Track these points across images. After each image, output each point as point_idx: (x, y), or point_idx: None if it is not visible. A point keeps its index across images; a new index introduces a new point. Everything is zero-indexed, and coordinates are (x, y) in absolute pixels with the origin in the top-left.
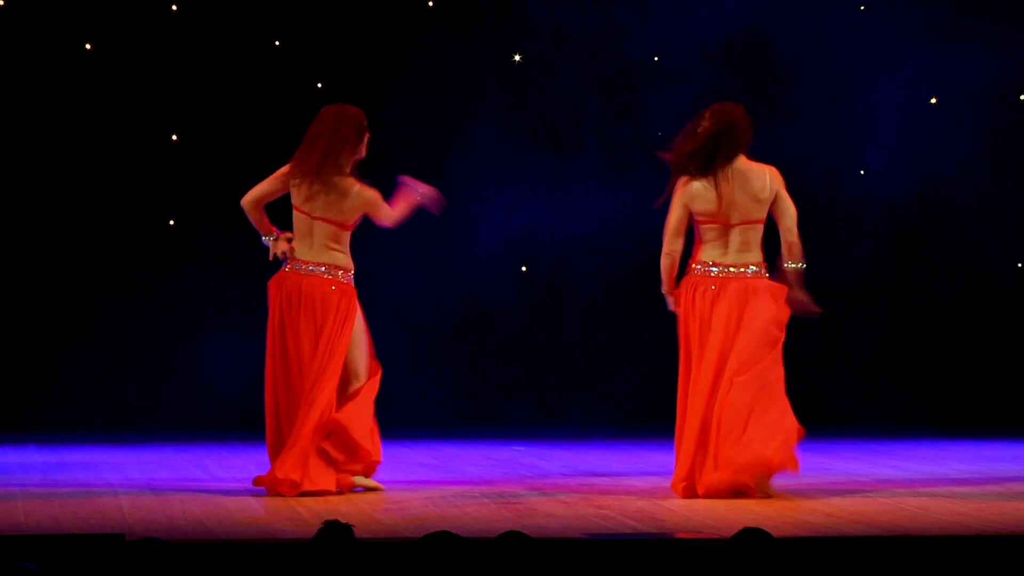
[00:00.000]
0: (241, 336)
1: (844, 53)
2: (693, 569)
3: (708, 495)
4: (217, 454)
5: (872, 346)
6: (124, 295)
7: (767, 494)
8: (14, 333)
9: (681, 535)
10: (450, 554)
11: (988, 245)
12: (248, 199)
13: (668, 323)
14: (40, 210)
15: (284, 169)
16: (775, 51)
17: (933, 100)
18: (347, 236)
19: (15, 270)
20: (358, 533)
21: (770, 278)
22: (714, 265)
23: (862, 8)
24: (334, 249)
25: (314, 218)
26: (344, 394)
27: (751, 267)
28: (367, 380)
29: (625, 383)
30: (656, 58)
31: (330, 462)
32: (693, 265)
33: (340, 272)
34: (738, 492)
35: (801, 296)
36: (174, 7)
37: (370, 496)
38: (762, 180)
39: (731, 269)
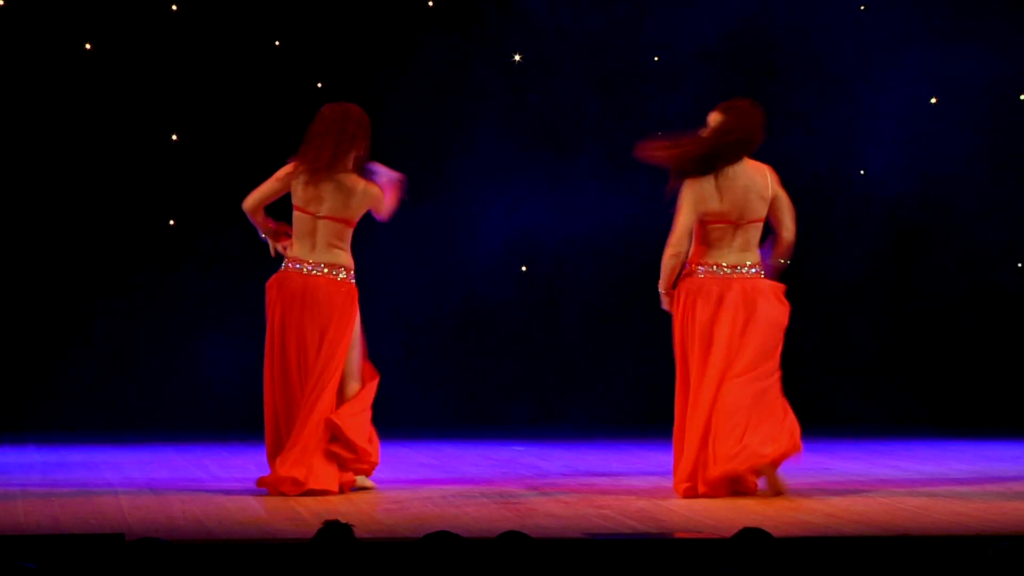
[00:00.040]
0: (241, 336)
1: (844, 53)
2: (693, 569)
3: (708, 493)
4: (217, 454)
5: (872, 346)
6: (124, 295)
7: (778, 490)
8: (14, 333)
9: (681, 535)
10: (450, 554)
11: (988, 245)
12: (251, 203)
13: (668, 323)
14: (40, 210)
15: (286, 169)
16: (775, 51)
17: (933, 100)
18: (351, 234)
19: (15, 270)
20: (358, 533)
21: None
22: (718, 266)
23: (862, 8)
24: (338, 248)
25: (319, 217)
26: (340, 395)
27: (752, 267)
28: (364, 384)
29: (625, 383)
30: (656, 58)
31: (339, 462)
32: (696, 267)
33: (344, 271)
34: (737, 492)
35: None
36: (174, 7)
37: (370, 496)
38: (764, 178)
39: (736, 270)
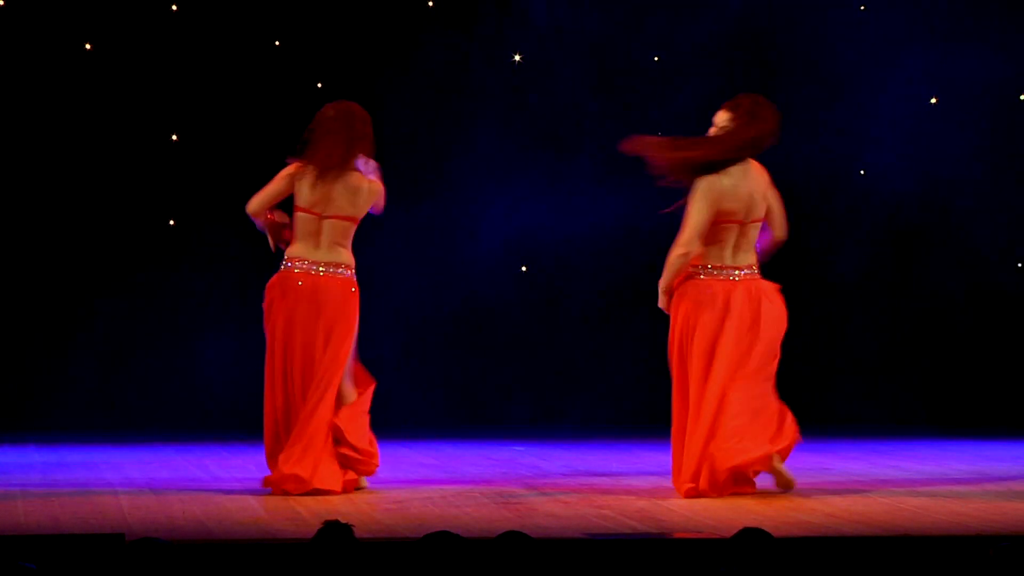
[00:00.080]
0: (241, 336)
1: (844, 53)
2: (693, 569)
3: (711, 492)
4: (217, 454)
5: (872, 346)
6: (124, 295)
7: (787, 483)
8: (14, 333)
9: (681, 535)
10: (450, 554)
11: (988, 245)
12: (257, 205)
13: (667, 323)
14: (40, 210)
15: (289, 170)
16: (775, 51)
17: (933, 100)
18: (353, 232)
19: (15, 270)
20: (358, 533)
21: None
22: (722, 267)
23: (862, 8)
24: (342, 246)
25: (325, 217)
26: (338, 395)
27: (753, 267)
28: (361, 388)
29: (625, 383)
30: (656, 58)
31: (344, 462)
32: (698, 267)
33: (347, 269)
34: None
35: None
36: (174, 7)
37: (370, 496)
38: (763, 177)
39: (739, 271)
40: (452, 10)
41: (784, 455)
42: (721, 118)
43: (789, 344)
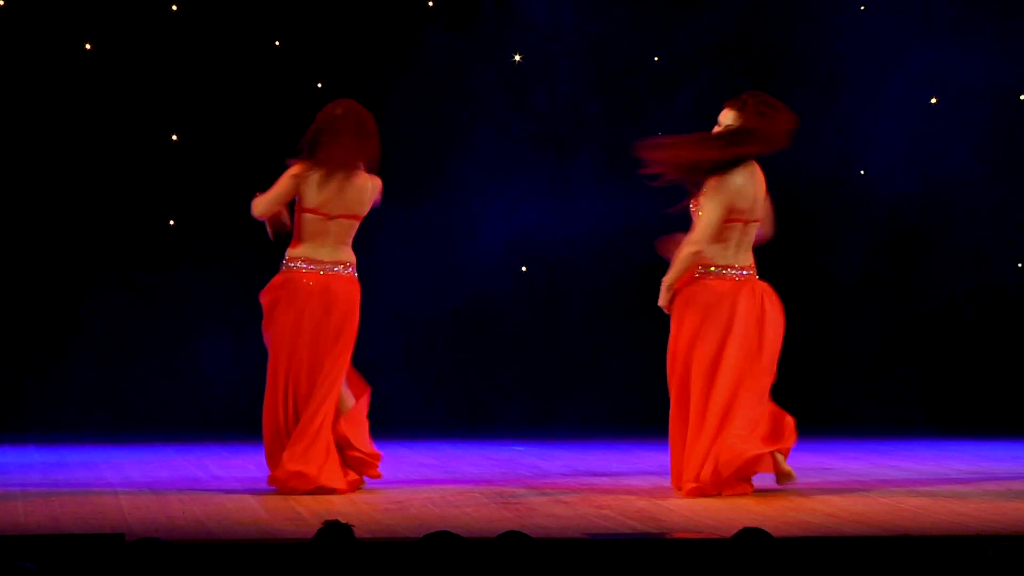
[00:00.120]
0: (241, 336)
1: (844, 53)
2: (693, 569)
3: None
4: (217, 454)
5: (872, 346)
6: (124, 295)
7: (788, 475)
8: (15, 333)
9: (681, 535)
10: (450, 554)
11: (988, 245)
12: (264, 208)
13: (667, 323)
14: (40, 210)
15: (294, 171)
16: (775, 51)
17: (933, 100)
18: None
19: (15, 270)
20: (358, 533)
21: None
22: (728, 268)
23: (862, 8)
24: (346, 244)
25: (333, 217)
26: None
27: (753, 266)
28: (357, 392)
29: (625, 383)
30: (656, 58)
31: (357, 466)
32: (705, 267)
33: (352, 268)
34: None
35: None
36: (174, 7)
37: (370, 496)
38: (761, 175)
39: (744, 271)
40: (452, 10)
41: (785, 452)
42: (726, 116)
43: (789, 344)
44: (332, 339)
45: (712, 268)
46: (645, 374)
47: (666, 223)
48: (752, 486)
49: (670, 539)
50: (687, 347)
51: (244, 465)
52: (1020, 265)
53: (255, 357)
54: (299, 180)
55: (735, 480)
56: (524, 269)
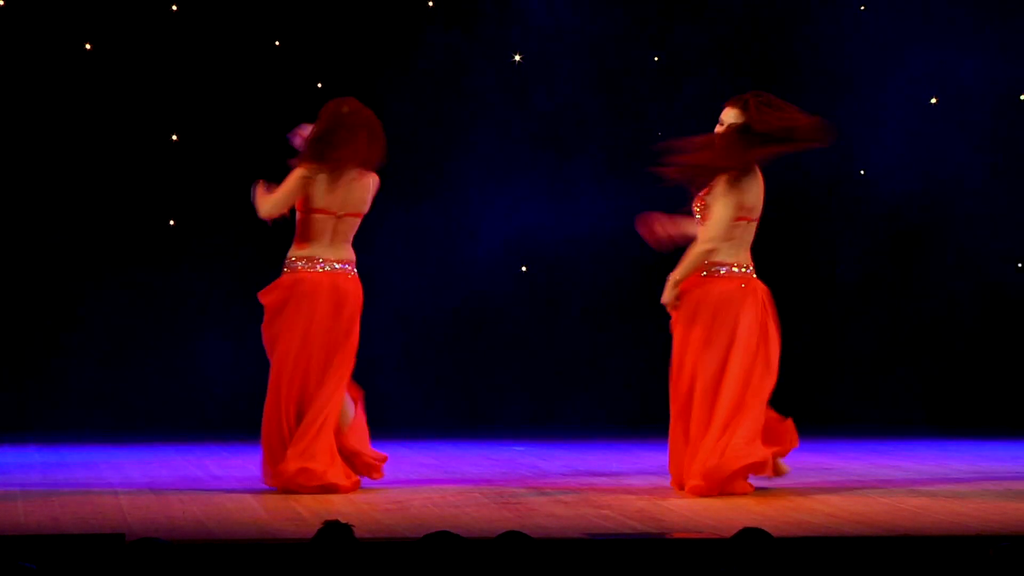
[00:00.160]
0: (241, 336)
1: (844, 53)
2: (693, 569)
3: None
4: (217, 454)
5: (872, 346)
6: (124, 295)
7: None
8: (14, 333)
9: (681, 535)
10: (450, 554)
11: (988, 245)
12: (274, 209)
13: (667, 323)
14: (40, 210)
15: (302, 172)
16: (775, 51)
17: (933, 100)
18: None
19: (15, 270)
20: (358, 533)
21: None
22: (736, 265)
23: (862, 8)
24: (348, 242)
25: (340, 215)
26: None
27: (752, 265)
28: (355, 395)
29: (625, 383)
30: (656, 58)
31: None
32: (717, 267)
33: (353, 266)
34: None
35: None
36: (174, 7)
37: (370, 496)
38: (761, 174)
39: (748, 268)
40: (452, 10)
41: (782, 456)
42: (729, 115)
43: (789, 344)
44: (343, 338)
45: (721, 268)
46: (645, 374)
47: (683, 238)
48: (752, 486)
49: (670, 539)
50: (696, 352)
51: (244, 465)
52: (1020, 265)
53: (255, 357)
54: (308, 181)
55: (737, 480)
56: (524, 269)
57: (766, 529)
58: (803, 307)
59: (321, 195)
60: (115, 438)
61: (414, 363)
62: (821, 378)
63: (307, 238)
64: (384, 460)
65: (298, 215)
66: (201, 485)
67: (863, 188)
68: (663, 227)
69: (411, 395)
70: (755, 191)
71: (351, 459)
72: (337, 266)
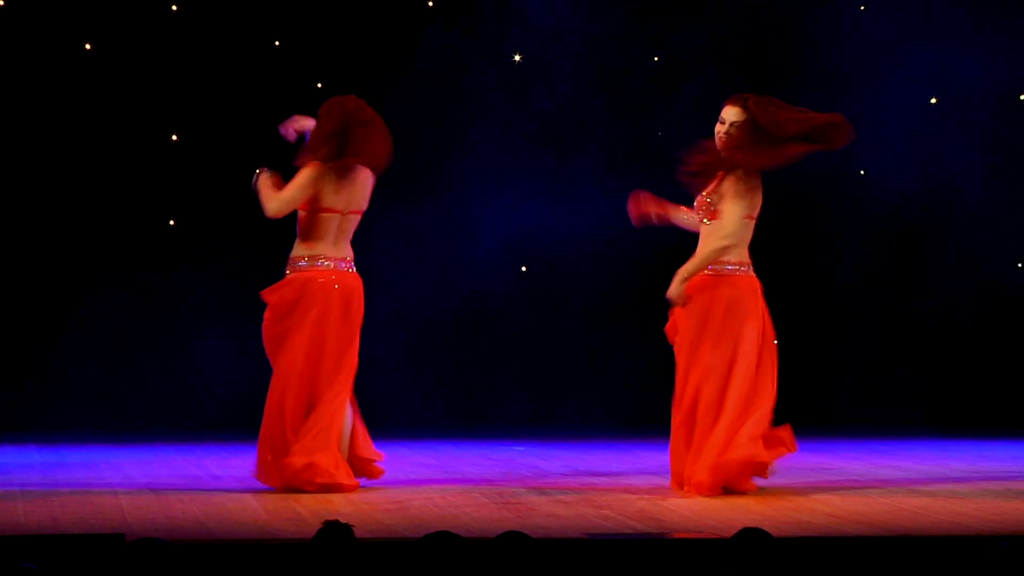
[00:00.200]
0: (241, 336)
1: (844, 53)
2: (693, 569)
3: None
4: (217, 454)
5: (872, 346)
6: (124, 295)
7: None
8: (14, 333)
9: (681, 535)
10: (450, 554)
11: (988, 245)
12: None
13: (667, 322)
14: (40, 210)
15: (312, 172)
16: (775, 51)
17: (933, 100)
18: None
19: (15, 270)
20: (358, 533)
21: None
22: (741, 265)
23: (862, 8)
24: (349, 241)
25: (346, 213)
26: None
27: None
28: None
29: (625, 383)
30: (656, 58)
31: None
32: (724, 266)
33: (353, 264)
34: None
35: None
36: (174, 7)
37: (370, 496)
38: None
39: (750, 267)
40: (452, 10)
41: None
42: (729, 113)
43: (790, 344)
44: (352, 335)
45: (728, 266)
46: (645, 374)
47: (665, 222)
48: (756, 485)
49: (670, 539)
50: (703, 359)
51: (244, 465)
52: (1020, 265)
53: (255, 357)
54: (318, 181)
55: (742, 476)
56: (524, 269)
57: (766, 529)
58: (803, 307)
59: (330, 194)
60: (115, 438)
61: (414, 363)
62: (821, 378)
63: (313, 237)
64: (380, 457)
65: (302, 213)
66: (201, 485)
67: (863, 188)
68: (650, 206)
69: (411, 395)
70: (760, 190)
71: (350, 460)
72: (342, 265)
